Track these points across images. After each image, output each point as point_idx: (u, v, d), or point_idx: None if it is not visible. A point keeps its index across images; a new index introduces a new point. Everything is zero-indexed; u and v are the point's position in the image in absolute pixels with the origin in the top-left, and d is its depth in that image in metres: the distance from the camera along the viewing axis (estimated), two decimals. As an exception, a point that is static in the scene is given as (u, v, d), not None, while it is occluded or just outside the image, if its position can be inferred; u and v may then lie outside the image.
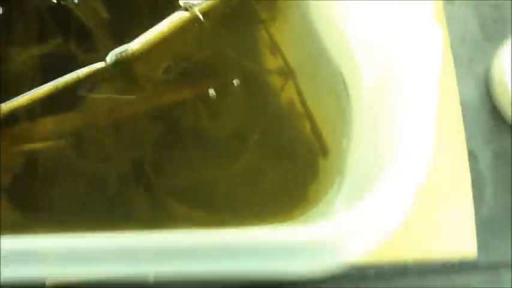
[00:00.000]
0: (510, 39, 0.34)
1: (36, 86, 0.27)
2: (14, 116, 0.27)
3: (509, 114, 0.34)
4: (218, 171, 0.29)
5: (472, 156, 0.35)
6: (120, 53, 0.26)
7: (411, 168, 0.17)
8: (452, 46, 0.37)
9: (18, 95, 0.26)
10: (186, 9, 0.26)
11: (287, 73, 0.30)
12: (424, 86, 0.19)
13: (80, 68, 0.27)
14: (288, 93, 0.31)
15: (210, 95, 0.28)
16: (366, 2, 0.26)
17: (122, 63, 0.26)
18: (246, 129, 0.30)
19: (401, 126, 0.19)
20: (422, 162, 0.17)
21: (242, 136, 0.30)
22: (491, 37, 0.37)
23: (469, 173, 0.34)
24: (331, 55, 0.27)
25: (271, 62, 0.31)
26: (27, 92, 0.26)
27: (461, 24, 0.37)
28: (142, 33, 0.27)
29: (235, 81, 0.29)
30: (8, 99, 0.26)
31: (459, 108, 0.35)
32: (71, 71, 0.27)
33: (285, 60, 0.30)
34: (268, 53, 0.32)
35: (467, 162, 0.34)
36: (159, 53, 0.27)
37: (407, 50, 0.22)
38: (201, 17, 0.26)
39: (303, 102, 0.30)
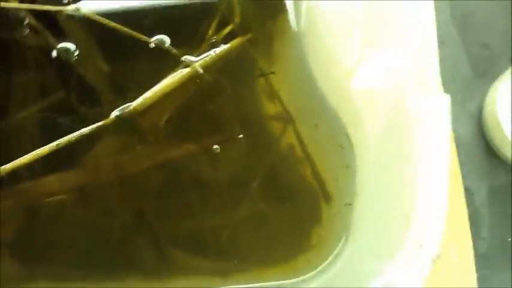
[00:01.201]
0: (500, 77, 0.36)
1: (38, 142, 0.27)
2: (16, 175, 0.27)
3: (503, 150, 0.35)
4: (221, 219, 0.30)
5: (469, 193, 0.36)
6: (124, 109, 0.27)
7: (428, 237, 0.18)
8: (444, 85, 0.38)
9: (20, 151, 0.27)
10: (187, 66, 0.27)
11: (286, 119, 0.32)
12: (436, 140, 0.20)
13: (83, 122, 0.27)
14: (288, 139, 0.32)
15: (213, 146, 0.29)
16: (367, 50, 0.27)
17: (125, 120, 0.26)
18: (247, 176, 0.31)
19: (414, 184, 0.20)
20: (438, 229, 0.18)
21: (244, 183, 0.31)
22: (482, 75, 0.38)
23: (466, 210, 0.35)
24: (331, 104, 0.28)
25: (271, 109, 0.33)
26: (30, 153, 0.26)
27: (452, 64, 0.39)
28: (144, 87, 0.28)
29: (238, 133, 0.30)
30: (10, 155, 0.27)
31: (454, 146, 0.36)
32: (74, 126, 0.27)
33: (284, 107, 0.31)
34: (267, 101, 0.33)
35: (464, 200, 0.35)
36: (162, 107, 0.28)
37: (415, 103, 0.22)
38: (201, 72, 0.27)
39: (304, 149, 0.31)
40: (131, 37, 0.28)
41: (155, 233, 0.29)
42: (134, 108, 0.27)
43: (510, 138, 0.34)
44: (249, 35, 0.29)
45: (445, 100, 0.20)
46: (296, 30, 0.30)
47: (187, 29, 0.29)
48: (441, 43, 0.39)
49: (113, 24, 0.27)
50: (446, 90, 0.38)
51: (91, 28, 0.29)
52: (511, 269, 0.34)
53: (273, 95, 0.32)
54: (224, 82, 0.30)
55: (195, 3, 0.30)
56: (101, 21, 0.28)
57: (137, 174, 0.29)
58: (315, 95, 0.30)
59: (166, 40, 0.28)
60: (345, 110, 0.28)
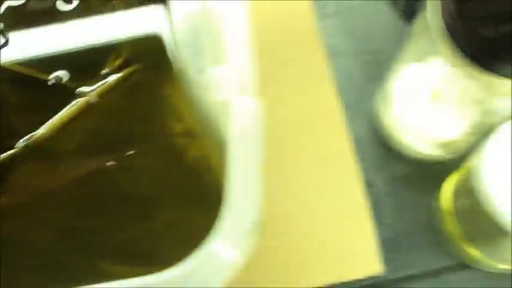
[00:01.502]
0: (388, 79, 0.40)
1: None
2: None
3: (397, 143, 0.39)
4: (141, 229, 0.32)
5: (369, 184, 0.39)
6: (29, 138, 0.29)
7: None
8: (340, 91, 0.42)
9: None
10: (83, 96, 0.30)
11: (190, 135, 0.35)
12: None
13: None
14: (193, 152, 0.35)
15: (124, 162, 0.32)
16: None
17: (33, 148, 0.29)
18: (160, 187, 0.33)
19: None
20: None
21: (157, 194, 0.33)
22: (373, 80, 0.42)
23: (367, 201, 0.38)
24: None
25: (178, 127, 0.36)
26: None
27: (346, 72, 0.43)
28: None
29: (148, 149, 0.33)
30: None
31: (350, 145, 0.40)
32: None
33: (186, 124, 0.34)
34: (173, 119, 0.36)
35: (364, 192, 0.39)
36: (70, 132, 0.31)
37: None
38: (95, 100, 0.30)
39: (207, 159, 0.34)
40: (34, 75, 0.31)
41: (82, 248, 0.31)
42: (40, 136, 0.29)
43: (403, 134, 0.38)
44: (140, 64, 0.32)
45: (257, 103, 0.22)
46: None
47: (88, 66, 0.33)
48: (334, 54, 0.44)
49: (16, 66, 0.31)
50: (342, 96, 0.42)
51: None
52: (413, 251, 0.38)
53: (176, 113, 0.35)
54: (131, 104, 0.33)
55: (97, 45, 0.33)
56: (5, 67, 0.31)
57: (58, 193, 0.31)
58: (206, 111, 0.33)
59: (64, 76, 0.31)
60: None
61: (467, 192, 0.32)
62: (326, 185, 0.39)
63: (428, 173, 0.39)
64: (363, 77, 0.43)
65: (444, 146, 0.37)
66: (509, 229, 0.29)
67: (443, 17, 0.28)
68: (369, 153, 0.41)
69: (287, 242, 0.37)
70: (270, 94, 0.42)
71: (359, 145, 0.41)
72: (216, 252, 0.20)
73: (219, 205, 0.33)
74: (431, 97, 0.34)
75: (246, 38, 0.23)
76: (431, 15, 0.29)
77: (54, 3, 0.35)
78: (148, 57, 0.34)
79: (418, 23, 0.31)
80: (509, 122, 0.31)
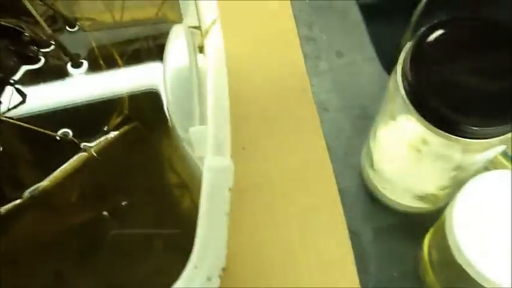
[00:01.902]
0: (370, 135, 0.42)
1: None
2: None
3: (380, 196, 0.41)
4: (129, 275, 0.34)
5: (355, 235, 0.41)
6: (35, 189, 0.32)
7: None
8: (328, 144, 0.44)
9: None
10: (85, 150, 0.33)
11: (183, 186, 0.37)
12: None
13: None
14: (187, 202, 0.37)
15: (121, 210, 0.35)
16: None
17: (37, 198, 0.32)
18: (152, 235, 0.36)
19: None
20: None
21: (149, 242, 0.36)
22: (360, 133, 0.44)
23: (352, 251, 0.40)
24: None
25: (173, 178, 0.38)
26: None
27: (335, 126, 0.45)
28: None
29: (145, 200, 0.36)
30: None
31: (338, 196, 0.42)
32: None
33: (179, 176, 0.37)
34: (169, 171, 0.38)
35: (350, 242, 0.40)
36: (72, 185, 0.34)
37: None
38: (95, 155, 0.33)
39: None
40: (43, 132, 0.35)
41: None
42: (44, 188, 0.32)
43: (385, 187, 0.40)
44: (138, 121, 0.35)
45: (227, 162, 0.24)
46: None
47: (92, 124, 0.36)
48: (325, 109, 0.47)
49: (25, 125, 0.34)
50: (331, 149, 0.45)
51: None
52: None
53: (173, 167, 0.38)
54: (128, 158, 0.36)
55: (98, 102, 0.37)
56: (16, 123, 0.34)
57: (55, 240, 0.34)
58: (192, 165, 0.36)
59: (70, 132, 0.35)
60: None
61: (441, 244, 0.33)
62: (313, 234, 0.41)
63: (413, 224, 0.41)
64: (352, 131, 0.45)
65: (424, 199, 0.39)
66: (482, 283, 0.30)
67: (403, 80, 0.30)
68: (355, 204, 0.42)
69: (274, 289, 0.39)
70: (263, 147, 0.45)
71: (346, 196, 0.43)
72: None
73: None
74: (409, 153, 0.36)
75: (223, 101, 0.26)
76: (399, 76, 0.31)
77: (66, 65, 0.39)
78: (146, 114, 0.37)
79: (391, 82, 0.33)
80: (479, 176, 0.33)
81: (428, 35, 0.31)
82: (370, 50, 0.49)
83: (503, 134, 0.29)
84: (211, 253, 0.23)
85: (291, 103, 0.46)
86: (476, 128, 0.29)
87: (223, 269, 0.22)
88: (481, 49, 0.31)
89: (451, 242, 0.32)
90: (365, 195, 0.43)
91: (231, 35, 0.51)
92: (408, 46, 0.31)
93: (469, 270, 0.31)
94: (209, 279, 0.22)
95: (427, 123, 0.31)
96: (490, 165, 0.39)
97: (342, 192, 0.43)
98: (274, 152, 0.44)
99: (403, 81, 0.30)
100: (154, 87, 0.38)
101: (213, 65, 0.27)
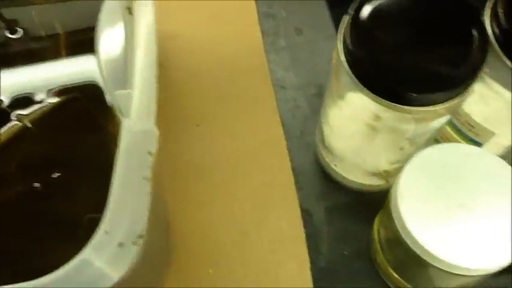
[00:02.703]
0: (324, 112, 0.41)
1: None
2: None
3: (334, 174, 0.40)
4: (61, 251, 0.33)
5: (308, 214, 0.40)
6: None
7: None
8: (284, 122, 0.43)
9: None
10: (19, 120, 0.32)
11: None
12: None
13: None
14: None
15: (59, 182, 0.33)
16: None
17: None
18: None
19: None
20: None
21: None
22: (317, 112, 0.43)
23: (303, 230, 0.39)
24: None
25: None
26: None
27: (292, 105, 0.44)
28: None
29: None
30: None
31: (291, 174, 0.41)
32: None
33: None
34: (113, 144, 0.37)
35: (301, 221, 0.39)
36: (10, 154, 0.32)
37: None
38: (29, 125, 0.32)
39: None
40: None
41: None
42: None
43: (338, 165, 0.39)
44: (75, 94, 0.34)
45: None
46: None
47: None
48: (282, 87, 0.45)
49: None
50: (287, 127, 0.44)
51: None
52: (348, 279, 0.38)
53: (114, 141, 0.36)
54: (68, 132, 0.35)
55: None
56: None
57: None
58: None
59: (3, 101, 0.33)
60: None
61: (387, 222, 0.32)
62: (266, 213, 0.40)
63: (367, 202, 0.40)
64: (309, 109, 0.44)
65: (377, 175, 0.38)
66: (427, 259, 0.30)
67: (344, 49, 0.29)
68: (309, 183, 0.41)
69: (225, 270, 0.38)
70: (217, 124, 0.43)
71: (301, 175, 0.42)
72: (87, 262, 0.21)
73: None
74: (361, 130, 0.35)
75: (150, 65, 0.25)
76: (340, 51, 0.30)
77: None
78: (86, 90, 0.36)
79: (334, 59, 0.32)
80: (425, 149, 0.32)
81: (366, 5, 0.30)
82: (330, 28, 0.48)
83: (449, 100, 0.28)
84: (125, 218, 0.21)
85: (246, 80, 0.45)
86: (422, 95, 0.28)
87: (141, 236, 0.21)
88: (422, 17, 0.30)
89: (395, 217, 0.31)
90: (319, 174, 0.42)
91: (186, 10, 0.50)
92: (346, 18, 0.30)
93: (414, 248, 0.30)
94: (121, 245, 0.21)
95: (375, 96, 0.29)
96: (440, 138, 0.38)
97: (296, 170, 0.42)
98: (228, 129, 0.43)
99: (345, 56, 0.29)
100: (91, 78, 0.37)
101: (142, 30, 0.26)
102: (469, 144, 0.36)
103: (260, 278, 0.38)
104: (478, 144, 0.35)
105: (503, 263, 0.28)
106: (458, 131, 0.36)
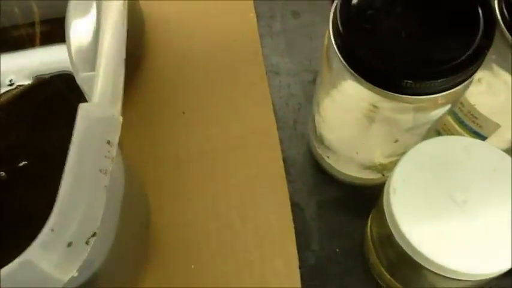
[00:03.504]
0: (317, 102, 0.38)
1: None
2: None
3: (328, 166, 0.38)
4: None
5: (298, 208, 0.38)
6: None
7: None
8: (276, 110, 0.41)
9: None
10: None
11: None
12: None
13: None
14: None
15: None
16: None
17: None
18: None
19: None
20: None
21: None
22: (311, 100, 0.41)
23: (293, 225, 0.37)
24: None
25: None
26: None
27: (286, 92, 0.42)
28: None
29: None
30: None
31: (282, 165, 0.39)
32: None
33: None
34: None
35: (291, 215, 0.37)
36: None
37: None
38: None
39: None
40: None
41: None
42: None
43: (332, 157, 0.37)
44: (48, 76, 0.31)
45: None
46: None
47: None
48: (276, 73, 0.43)
49: None
50: (280, 115, 0.41)
51: None
52: (338, 278, 0.36)
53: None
54: (40, 117, 0.33)
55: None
56: None
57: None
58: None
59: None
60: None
61: (379, 219, 0.30)
62: (253, 206, 0.38)
63: (362, 197, 0.37)
64: (303, 97, 0.42)
65: (372, 168, 0.35)
66: (419, 261, 0.27)
67: (334, 33, 0.27)
68: (301, 175, 0.39)
69: (207, 265, 0.36)
70: (205, 112, 0.41)
71: (292, 167, 0.39)
72: (29, 263, 0.19)
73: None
74: (358, 121, 0.33)
75: (117, 47, 0.22)
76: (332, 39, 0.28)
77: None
78: (60, 78, 0.34)
79: (326, 41, 0.30)
80: (424, 142, 0.29)
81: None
82: (329, 10, 0.45)
83: (449, 89, 0.26)
84: (76, 215, 0.19)
85: (239, 66, 0.42)
86: (420, 83, 0.26)
87: (94, 235, 0.19)
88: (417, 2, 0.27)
89: (387, 215, 0.28)
90: (312, 166, 0.39)
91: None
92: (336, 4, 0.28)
93: (406, 249, 0.27)
94: (70, 245, 0.19)
95: (369, 84, 0.27)
96: (442, 130, 0.35)
97: (287, 162, 0.39)
98: (217, 117, 0.41)
99: (336, 41, 0.27)
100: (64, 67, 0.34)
101: (112, 14, 0.24)
102: (472, 137, 0.34)
103: (244, 274, 0.36)
104: (481, 137, 0.33)
105: (502, 268, 0.26)
106: (461, 123, 0.33)
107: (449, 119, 0.34)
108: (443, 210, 0.27)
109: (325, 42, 0.29)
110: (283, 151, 0.39)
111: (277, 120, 0.41)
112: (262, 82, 0.42)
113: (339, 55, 0.27)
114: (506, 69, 0.30)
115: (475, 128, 0.32)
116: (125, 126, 0.42)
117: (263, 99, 0.41)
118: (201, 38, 0.44)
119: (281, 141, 0.40)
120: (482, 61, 0.26)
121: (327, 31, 0.28)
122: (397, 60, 0.26)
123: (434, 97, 0.27)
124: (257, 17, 0.45)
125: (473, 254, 0.26)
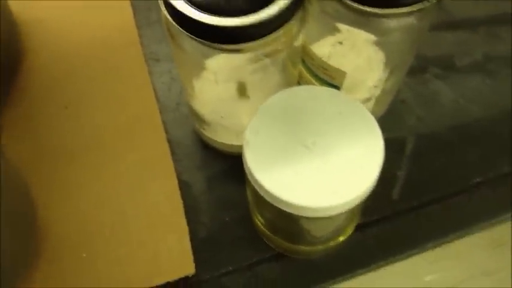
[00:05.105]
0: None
1: None
2: None
3: (210, 141, 0.39)
4: None
5: (187, 185, 0.39)
6: None
7: None
8: (159, 95, 0.42)
9: None
10: None
11: None
12: None
13: None
14: None
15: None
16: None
17: None
18: None
19: None
20: None
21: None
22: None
23: (181, 202, 0.37)
24: None
25: None
26: None
27: (167, 77, 0.43)
28: None
29: None
30: None
31: (167, 147, 0.39)
32: None
33: None
34: None
35: (179, 192, 0.38)
36: None
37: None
38: None
39: None
40: None
41: None
42: None
43: (212, 130, 0.38)
44: None
45: None
46: None
47: None
48: (156, 60, 0.44)
49: None
50: (163, 99, 0.42)
51: None
52: (230, 246, 0.36)
53: None
54: None
55: None
56: None
57: None
58: None
59: None
60: None
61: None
62: (143, 191, 0.38)
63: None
64: (185, 80, 0.43)
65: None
66: (280, 206, 0.28)
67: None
68: (187, 154, 0.40)
69: (100, 252, 0.36)
70: (88, 105, 0.41)
71: (178, 147, 0.40)
72: None
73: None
74: (206, 80, 0.33)
75: None
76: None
77: None
78: None
79: (163, 18, 0.30)
80: (280, 92, 0.30)
81: None
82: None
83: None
84: None
85: (117, 58, 0.43)
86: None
87: None
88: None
89: (245, 169, 0.29)
90: (198, 144, 0.40)
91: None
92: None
93: (266, 197, 0.28)
94: None
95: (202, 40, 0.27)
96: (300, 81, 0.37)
97: (172, 143, 0.40)
98: (100, 109, 0.41)
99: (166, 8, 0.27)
100: None
101: None
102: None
103: (138, 254, 0.36)
104: (336, 87, 0.34)
105: (358, 193, 0.27)
106: (316, 76, 0.34)
107: (305, 72, 0.35)
108: (295, 154, 0.28)
109: (163, 18, 0.30)
110: (166, 133, 0.40)
111: (161, 105, 0.41)
112: (142, 70, 0.42)
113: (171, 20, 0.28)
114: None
115: (328, 79, 0.34)
116: (7, 127, 0.42)
117: (144, 86, 0.42)
118: (78, 33, 0.44)
119: (165, 124, 0.41)
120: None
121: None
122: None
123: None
124: (134, 10, 0.45)
125: (328, 188, 0.27)
